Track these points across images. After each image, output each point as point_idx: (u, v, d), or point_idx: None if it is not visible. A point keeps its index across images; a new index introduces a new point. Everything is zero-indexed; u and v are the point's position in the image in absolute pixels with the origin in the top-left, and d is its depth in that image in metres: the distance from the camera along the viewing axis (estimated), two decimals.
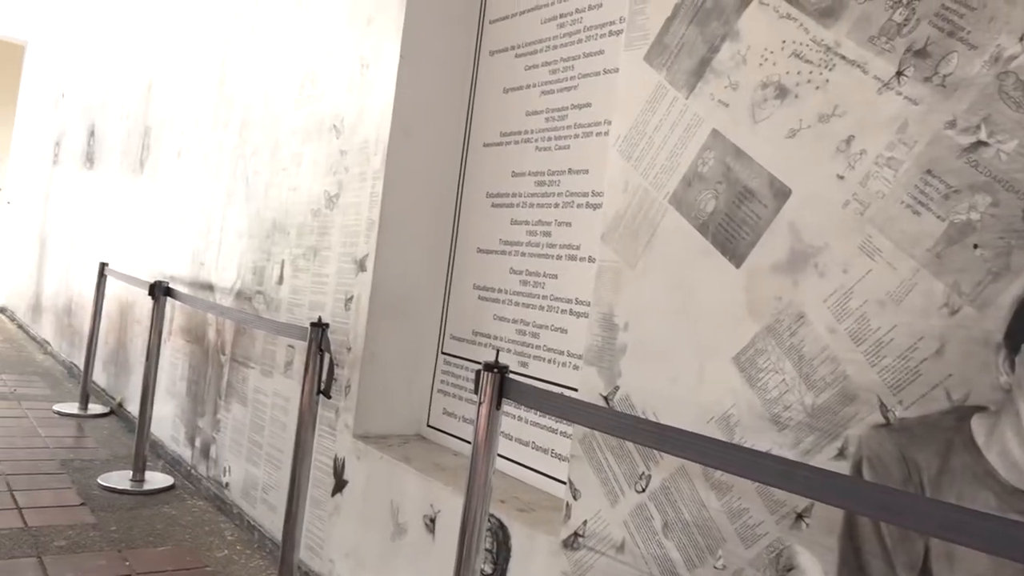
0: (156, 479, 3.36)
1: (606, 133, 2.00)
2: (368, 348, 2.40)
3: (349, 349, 2.44)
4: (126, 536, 2.72)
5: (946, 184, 1.09)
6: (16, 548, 2.50)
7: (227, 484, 3.11)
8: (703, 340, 1.40)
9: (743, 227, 1.35)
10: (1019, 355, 1.00)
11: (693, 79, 1.48)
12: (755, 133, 1.36)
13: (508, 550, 1.77)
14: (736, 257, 1.36)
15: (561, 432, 2.03)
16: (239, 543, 2.79)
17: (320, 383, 2.29)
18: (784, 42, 1.33)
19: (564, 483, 1.94)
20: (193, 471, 3.41)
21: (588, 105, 2.08)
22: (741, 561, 1.29)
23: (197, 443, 3.44)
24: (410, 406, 2.51)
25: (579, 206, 2.07)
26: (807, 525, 1.21)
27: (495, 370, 1.57)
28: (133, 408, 4.18)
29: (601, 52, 2.06)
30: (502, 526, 1.79)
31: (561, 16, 2.20)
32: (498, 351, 1.82)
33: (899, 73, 1.17)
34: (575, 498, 1.62)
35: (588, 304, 1.95)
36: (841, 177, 1.22)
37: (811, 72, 1.29)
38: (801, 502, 1.21)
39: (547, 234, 2.16)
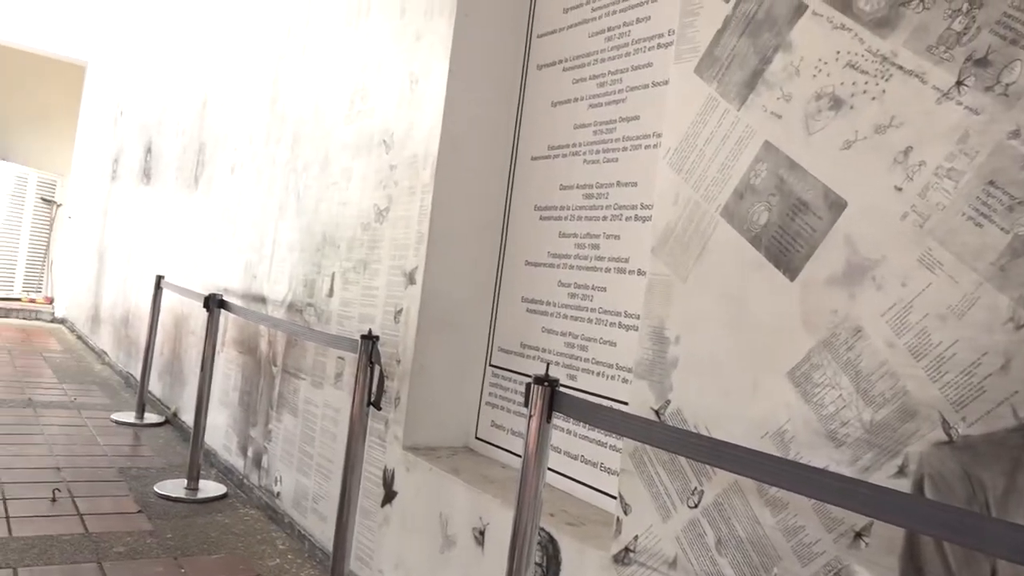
0: (210, 488, 3.43)
1: (655, 146, 2.00)
2: (417, 360, 2.42)
3: (398, 361, 2.47)
4: (181, 543, 2.78)
5: (1010, 195, 1.07)
6: (78, 553, 2.58)
7: (278, 493, 3.16)
8: (756, 354, 1.39)
9: (797, 239, 1.34)
10: None
11: (745, 91, 1.47)
12: (809, 145, 1.35)
13: (558, 564, 1.77)
14: (790, 270, 1.35)
15: (610, 446, 2.02)
16: (290, 552, 2.83)
17: (370, 395, 2.32)
18: (838, 53, 1.32)
19: (614, 497, 1.93)
20: (245, 480, 3.48)
21: (636, 118, 2.08)
22: None
23: (249, 453, 3.50)
24: (458, 418, 2.52)
25: (628, 219, 2.06)
26: (866, 544, 1.18)
27: (545, 383, 1.57)
28: (187, 418, 4.28)
29: (649, 65, 2.06)
30: (552, 540, 1.79)
31: (609, 30, 2.21)
32: (548, 364, 1.82)
33: (959, 83, 1.14)
34: (626, 513, 1.61)
35: (637, 317, 1.95)
36: (899, 189, 1.20)
37: (867, 83, 1.27)
38: (860, 520, 1.19)
39: (595, 247, 2.16)
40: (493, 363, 2.51)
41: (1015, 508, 1.02)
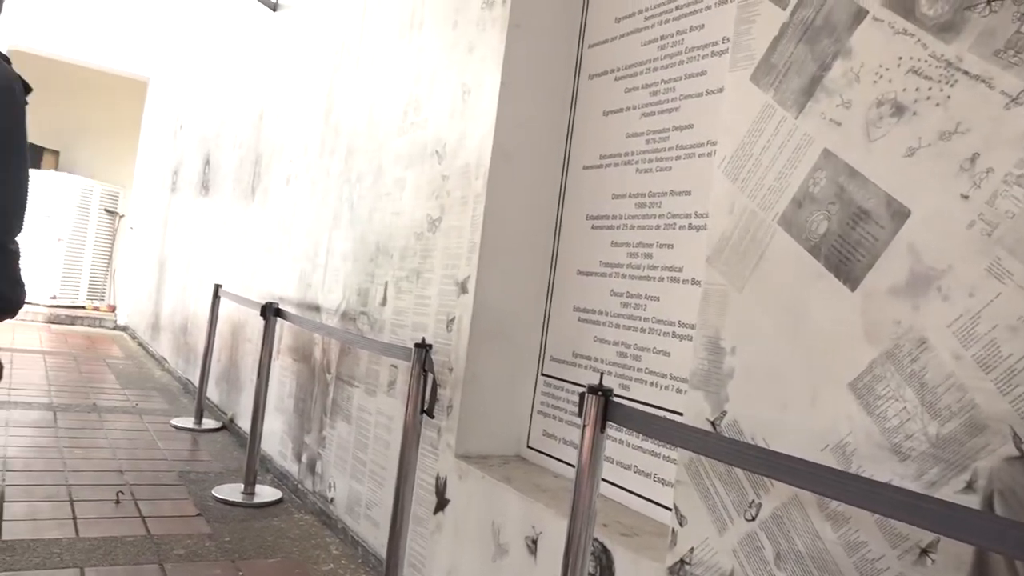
0: (265, 493, 3.49)
1: (709, 154, 1.98)
2: (469, 369, 2.44)
3: (451, 370, 2.49)
4: (239, 547, 2.84)
5: None
6: (140, 555, 2.65)
7: (332, 499, 3.21)
8: (816, 365, 1.37)
9: (858, 249, 1.31)
10: None
11: (803, 98, 1.45)
12: (870, 152, 1.32)
13: (612, 575, 1.76)
14: (851, 280, 1.32)
15: (664, 456, 2.00)
16: (344, 558, 2.87)
17: (423, 403, 2.34)
18: (900, 58, 1.29)
19: (667, 508, 1.91)
20: (300, 486, 3.54)
21: (690, 126, 2.07)
22: None
23: (304, 459, 3.56)
24: (510, 427, 2.53)
25: (681, 228, 2.05)
26: (932, 561, 1.15)
27: (599, 393, 1.56)
28: (243, 423, 4.38)
29: (703, 73, 2.05)
30: (605, 550, 1.78)
31: (662, 38, 2.20)
32: (602, 374, 1.81)
33: None
34: (681, 524, 1.59)
35: (692, 327, 1.93)
36: (965, 197, 1.17)
37: (930, 89, 1.24)
38: (926, 536, 1.16)
39: (648, 256, 2.15)
40: (545, 372, 2.51)
41: None
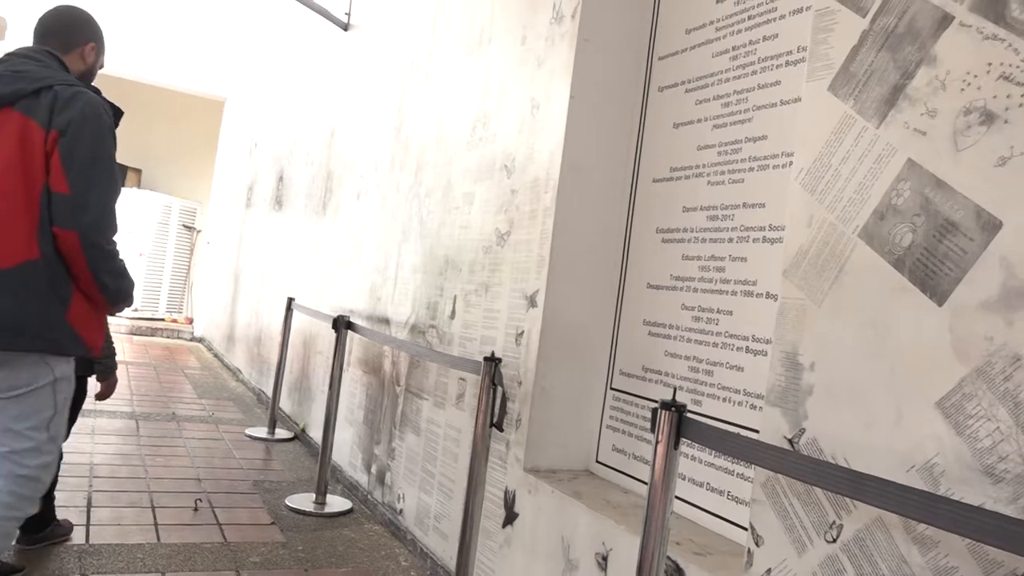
0: (336, 503, 3.55)
1: (784, 166, 1.94)
2: (538, 383, 2.43)
3: (520, 383, 2.49)
4: (311, 556, 2.90)
5: None
6: (218, 562, 2.73)
7: (401, 511, 3.24)
8: (901, 382, 1.32)
9: (946, 262, 1.27)
10: None
11: (885, 108, 1.41)
12: (957, 162, 1.28)
13: None
14: (938, 294, 1.27)
15: (738, 474, 1.96)
16: (413, 569, 2.89)
17: (493, 416, 2.35)
18: (990, 65, 1.25)
19: (742, 527, 1.87)
20: (369, 496, 3.58)
21: (764, 138, 2.03)
22: None
23: (373, 470, 3.61)
24: (579, 441, 2.51)
25: (755, 241, 2.01)
26: None
27: (672, 408, 1.54)
28: (314, 434, 4.46)
29: (777, 83, 2.01)
30: (679, 569, 1.75)
31: (734, 49, 2.17)
32: (675, 389, 1.79)
33: None
34: (758, 544, 1.55)
35: (767, 342, 1.89)
36: None
37: (1023, 95, 1.19)
38: (1022, 564, 1.10)
39: (720, 269, 2.11)
40: (614, 386, 2.49)
41: None
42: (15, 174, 1.84)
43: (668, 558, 1.76)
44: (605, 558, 2.00)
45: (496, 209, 2.81)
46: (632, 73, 2.54)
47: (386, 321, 3.72)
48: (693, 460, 2.09)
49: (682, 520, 2.06)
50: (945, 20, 1.33)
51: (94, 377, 2.57)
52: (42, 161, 1.86)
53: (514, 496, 2.45)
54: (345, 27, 5.15)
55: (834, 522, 1.40)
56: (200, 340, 9.45)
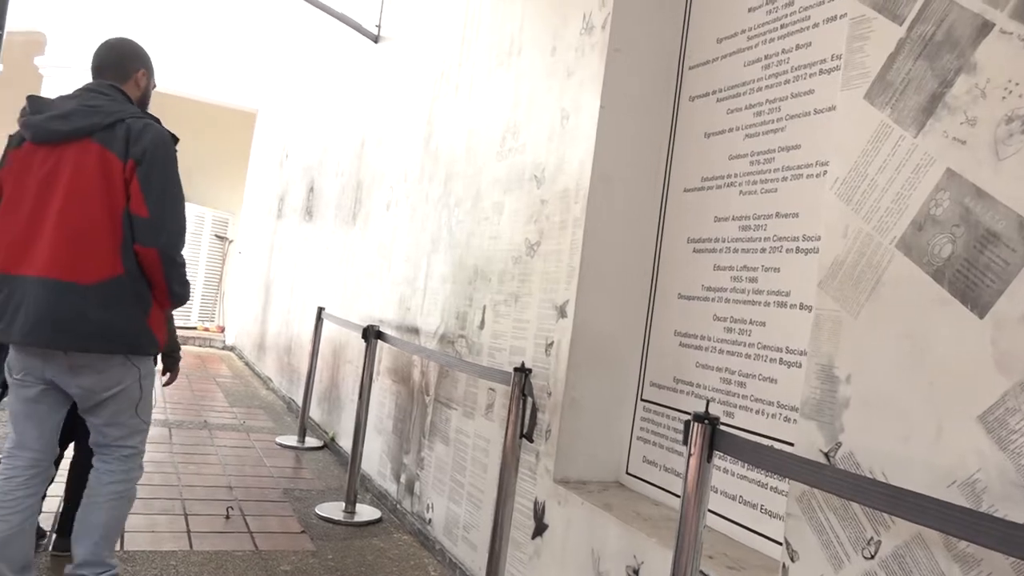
0: (365, 512, 3.56)
1: (818, 175, 1.92)
2: (568, 393, 2.43)
3: (549, 394, 2.48)
4: (340, 565, 2.91)
5: None
6: (249, 570, 2.75)
7: (430, 520, 3.24)
8: (940, 396, 1.29)
9: (987, 274, 1.24)
10: None
11: (923, 116, 1.39)
12: (999, 172, 1.25)
13: None
14: (979, 307, 1.25)
15: (771, 487, 1.93)
16: None
17: (523, 427, 2.34)
18: None
19: (775, 541, 1.85)
20: (398, 506, 3.59)
21: (797, 147, 2.01)
22: None
23: (402, 479, 3.62)
24: (609, 453, 2.50)
25: (788, 251, 1.99)
26: None
27: (705, 421, 1.53)
28: (343, 443, 4.49)
29: (811, 92, 1.99)
30: None
31: (766, 58, 2.16)
32: (708, 401, 1.77)
33: None
34: (792, 560, 1.53)
35: (800, 353, 1.87)
36: None
37: None
38: None
39: (753, 280, 2.09)
40: (645, 397, 2.47)
41: None
42: (99, 200, 2.08)
43: (701, 572, 1.73)
44: (636, 571, 1.99)
45: (526, 219, 2.81)
46: (663, 83, 2.53)
47: (415, 331, 3.73)
48: (725, 473, 2.07)
49: (714, 533, 2.04)
50: (985, 27, 1.31)
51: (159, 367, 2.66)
52: (122, 187, 2.10)
53: (544, 507, 2.44)
54: (375, 39, 5.19)
55: (872, 538, 1.37)
56: (231, 349, 9.55)
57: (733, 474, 2.05)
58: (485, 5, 3.50)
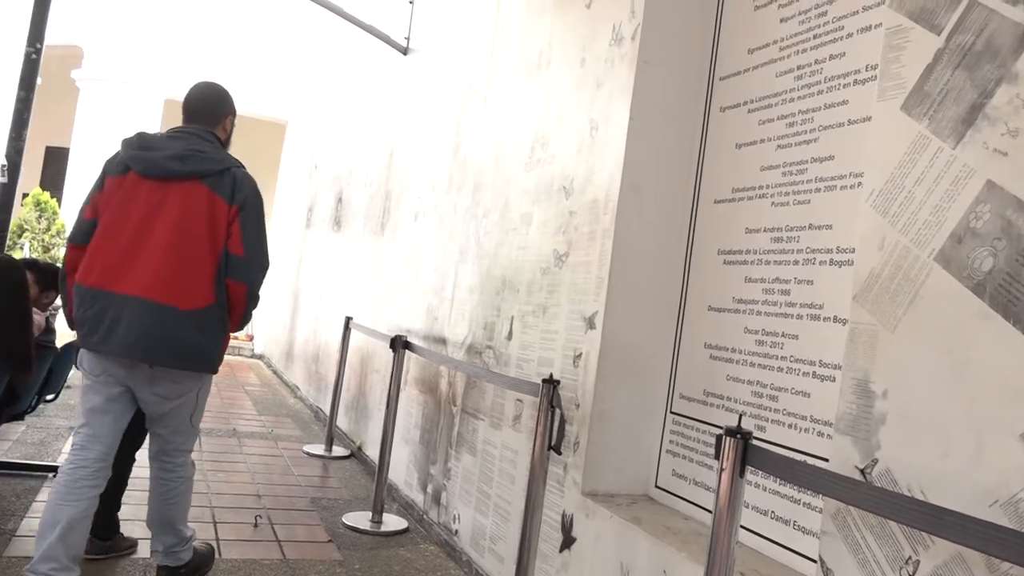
0: (392, 521, 3.56)
1: (852, 187, 1.90)
2: (597, 405, 2.41)
3: (578, 406, 2.47)
4: (368, 575, 2.91)
5: None
6: None
7: (456, 531, 3.23)
8: (981, 412, 1.27)
9: None
10: None
11: (962, 127, 1.37)
12: None
13: None
14: (1022, 321, 1.22)
15: (804, 503, 1.90)
16: None
17: (551, 439, 2.33)
18: None
19: (808, 558, 1.82)
20: (425, 516, 3.59)
21: (831, 158, 1.99)
22: None
23: (429, 489, 3.62)
24: (638, 466, 2.48)
25: (822, 263, 1.97)
26: None
27: (738, 436, 1.51)
28: (370, 452, 4.50)
29: (845, 102, 1.97)
30: None
31: (799, 68, 2.14)
32: (741, 415, 1.75)
33: None
34: None
35: (835, 367, 1.84)
36: None
37: None
38: None
39: (786, 292, 2.07)
40: (674, 410, 2.45)
41: None
42: (205, 238, 2.34)
43: None
44: None
45: (554, 230, 2.81)
46: (693, 93, 2.52)
47: (443, 341, 3.74)
48: (757, 488, 2.04)
49: (745, 549, 2.01)
50: None
51: None
52: (224, 228, 2.38)
53: (572, 520, 2.42)
54: (404, 51, 5.23)
55: (910, 557, 1.35)
56: (260, 357, 9.63)
57: (765, 489, 2.02)
58: (514, 19, 3.51)
